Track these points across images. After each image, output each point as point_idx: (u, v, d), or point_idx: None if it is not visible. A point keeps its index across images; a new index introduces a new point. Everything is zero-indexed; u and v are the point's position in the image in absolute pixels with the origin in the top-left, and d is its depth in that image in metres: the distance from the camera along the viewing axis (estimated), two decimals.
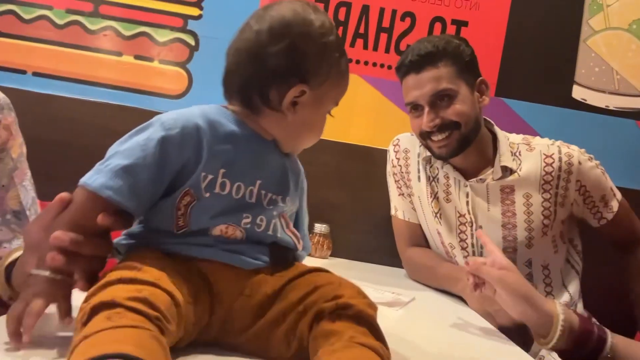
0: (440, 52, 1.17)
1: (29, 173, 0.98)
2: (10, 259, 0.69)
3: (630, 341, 0.86)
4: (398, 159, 1.38)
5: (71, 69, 1.61)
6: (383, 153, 1.51)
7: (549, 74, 1.63)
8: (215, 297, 0.63)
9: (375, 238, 1.55)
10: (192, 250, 0.64)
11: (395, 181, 1.39)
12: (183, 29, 1.63)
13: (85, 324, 0.50)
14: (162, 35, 1.63)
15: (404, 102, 1.25)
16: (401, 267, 1.44)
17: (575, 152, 1.24)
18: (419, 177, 1.33)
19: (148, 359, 0.46)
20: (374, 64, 1.63)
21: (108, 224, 0.61)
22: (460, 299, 1.20)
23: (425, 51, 1.17)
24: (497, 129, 1.29)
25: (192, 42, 1.63)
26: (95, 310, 0.50)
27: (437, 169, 1.30)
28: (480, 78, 1.23)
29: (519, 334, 1.09)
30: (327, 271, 0.69)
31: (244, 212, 0.66)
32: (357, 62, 1.63)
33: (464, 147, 1.21)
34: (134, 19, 1.62)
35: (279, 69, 0.68)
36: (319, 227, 1.48)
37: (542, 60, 1.62)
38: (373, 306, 0.62)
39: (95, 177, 0.60)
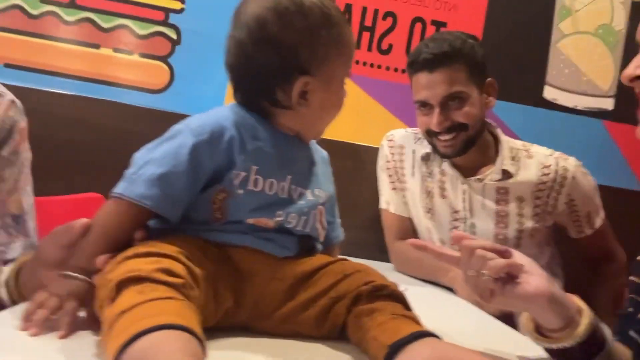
0: (456, 52, 1.17)
1: (31, 178, 0.96)
2: (18, 265, 0.69)
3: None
4: (392, 154, 1.41)
5: (46, 60, 1.56)
6: (368, 150, 1.54)
7: (523, 74, 1.70)
8: (246, 282, 0.65)
9: (364, 233, 1.57)
10: (225, 237, 0.65)
11: (389, 175, 1.42)
12: (164, 22, 1.60)
13: (113, 299, 0.51)
14: (143, 28, 1.60)
15: (413, 99, 1.26)
16: (389, 261, 1.47)
17: (571, 167, 1.28)
18: (412, 173, 1.37)
19: (192, 327, 0.47)
20: (357, 62, 1.65)
21: (144, 238, 0.62)
22: (449, 290, 1.24)
23: (441, 50, 1.16)
24: (499, 132, 1.33)
25: (174, 36, 1.61)
26: (121, 286, 0.51)
27: (433, 165, 1.33)
28: (490, 79, 1.26)
29: (505, 323, 1.14)
30: (348, 260, 0.72)
31: (277, 209, 0.68)
32: None
33: (468, 147, 1.24)
34: (112, 10, 1.58)
35: (273, 71, 0.68)
36: None
37: (516, 61, 1.69)
38: (399, 287, 0.67)
39: (132, 188, 0.61)
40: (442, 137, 1.23)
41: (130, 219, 0.62)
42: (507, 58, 1.69)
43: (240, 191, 0.65)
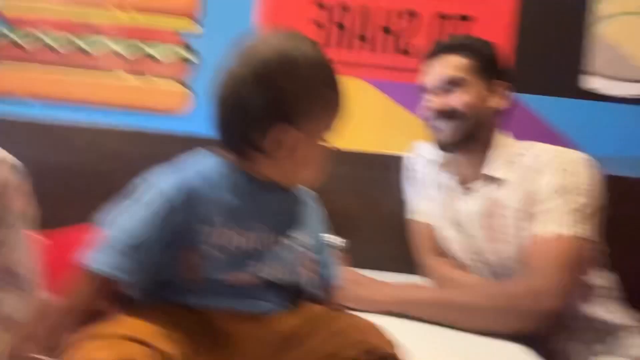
0: (461, 44, 1.20)
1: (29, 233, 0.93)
2: None
3: None
4: (416, 164, 1.38)
5: (69, 92, 1.59)
6: (396, 159, 1.47)
7: (559, 63, 1.56)
8: (231, 349, 0.62)
9: (394, 246, 1.50)
10: (203, 300, 0.63)
11: (414, 186, 1.38)
12: (184, 45, 1.60)
13: None
14: (162, 53, 1.60)
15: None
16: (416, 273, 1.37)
17: (567, 155, 1.12)
18: (437, 185, 1.31)
19: None
20: (378, 67, 1.58)
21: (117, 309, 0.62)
22: None
23: (447, 43, 1.21)
24: (503, 138, 1.20)
25: (194, 59, 1.60)
26: None
27: (444, 176, 1.29)
28: (502, 81, 1.19)
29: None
30: (340, 309, 0.70)
31: (253, 261, 0.66)
32: (358, 65, 1.59)
33: (468, 141, 1.17)
34: (131, 38, 1.59)
35: (257, 111, 0.65)
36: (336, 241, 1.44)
37: (556, 51, 1.56)
38: (392, 343, 0.65)
39: (101, 258, 0.60)
40: (439, 125, 1.18)
41: (98, 290, 0.61)
42: (544, 49, 1.56)
43: (213, 248, 0.64)
